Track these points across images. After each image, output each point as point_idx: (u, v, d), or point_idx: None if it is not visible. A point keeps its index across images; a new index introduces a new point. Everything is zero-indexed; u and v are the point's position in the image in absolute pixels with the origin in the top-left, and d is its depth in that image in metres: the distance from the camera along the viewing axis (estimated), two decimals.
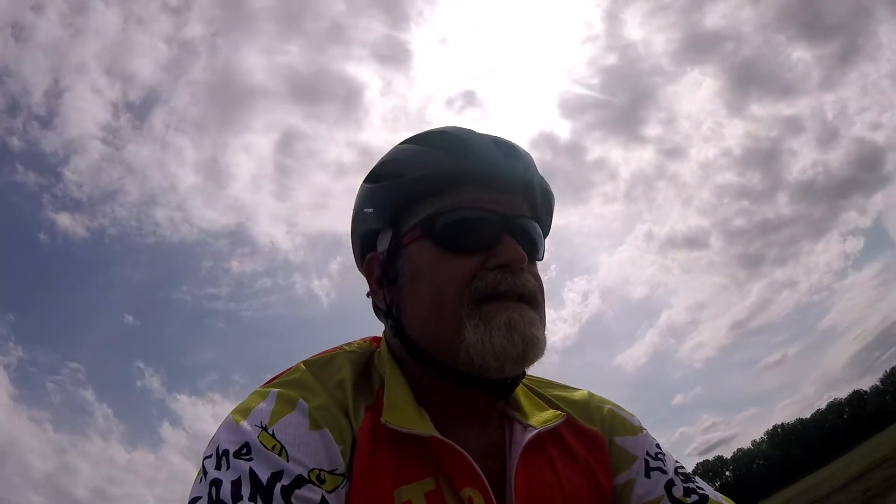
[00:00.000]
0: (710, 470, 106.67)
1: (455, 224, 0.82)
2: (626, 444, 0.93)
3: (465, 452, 0.75)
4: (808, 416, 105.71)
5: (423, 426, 0.77)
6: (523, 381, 0.93)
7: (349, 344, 0.90)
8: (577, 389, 1.02)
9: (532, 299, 0.82)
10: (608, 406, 0.99)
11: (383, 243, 0.88)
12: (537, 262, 0.89)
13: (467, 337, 0.77)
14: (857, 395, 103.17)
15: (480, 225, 0.82)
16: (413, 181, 0.84)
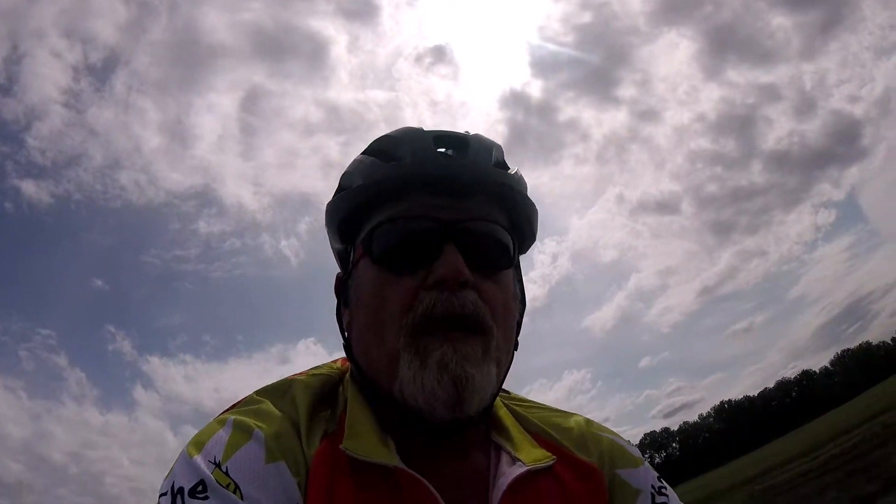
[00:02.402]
0: (656, 441, 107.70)
1: (389, 238, 0.76)
2: (628, 478, 0.86)
3: (430, 486, 0.69)
4: (771, 385, 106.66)
5: (385, 455, 0.71)
6: (509, 404, 0.89)
7: (318, 367, 0.86)
8: (572, 415, 0.93)
9: (474, 323, 0.73)
10: (606, 435, 0.90)
11: (347, 261, 0.84)
12: (504, 274, 0.80)
13: (401, 373, 0.72)
14: (806, 375, 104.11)
15: (417, 237, 0.75)
16: (354, 193, 0.79)
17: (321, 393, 0.80)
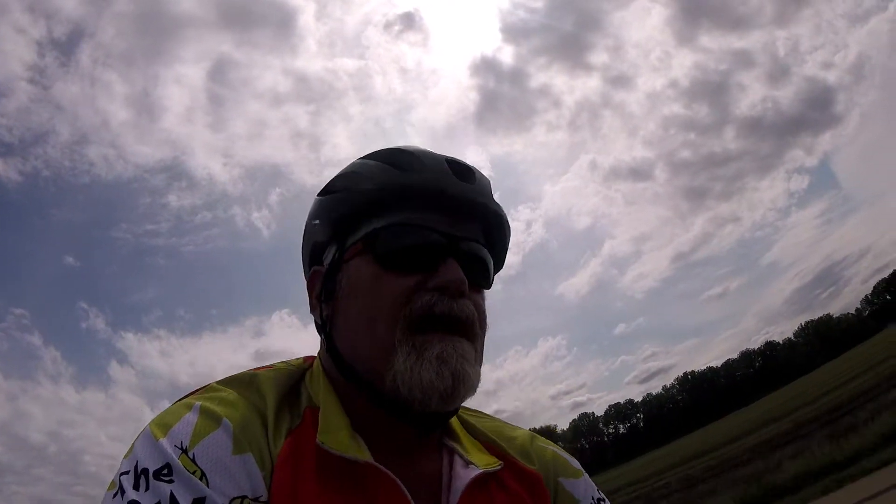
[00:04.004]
0: (621, 412, 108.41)
1: (397, 241, 0.79)
2: (570, 487, 0.90)
3: (400, 484, 0.71)
4: (743, 350, 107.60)
5: (359, 451, 0.73)
6: (459, 413, 0.93)
7: (278, 363, 0.86)
8: (519, 428, 0.98)
9: (469, 329, 0.78)
10: (550, 448, 0.95)
11: (328, 257, 0.86)
12: (484, 293, 0.86)
13: (396, 365, 0.74)
14: (770, 346, 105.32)
15: (424, 244, 0.79)
16: (360, 194, 0.82)
17: (287, 387, 0.81)
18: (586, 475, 0.94)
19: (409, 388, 0.73)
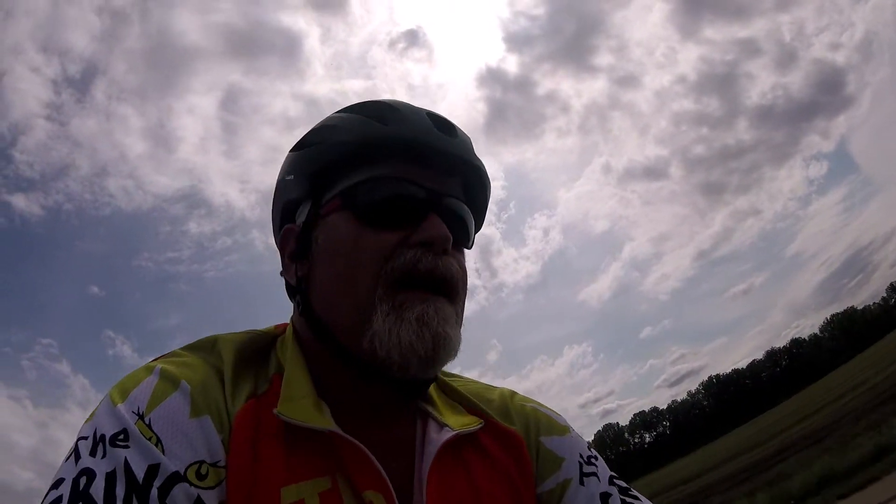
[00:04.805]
0: (646, 420, 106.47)
1: (378, 196, 0.76)
2: (552, 445, 0.85)
3: (367, 451, 0.69)
4: (775, 346, 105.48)
5: (320, 420, 0.70)
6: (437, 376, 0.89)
7: (250, 330, 0.83)
8: (497, 388, 0.94)
9: (452, 289, 0.76)
10: (531, 405, 0.91)
11: (302, 215, 0.81)
12: (465, 252, 0.83)
13: (375, 324, 0.71)
14: (795, 343, 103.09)
15: (406, 199, 0.76)
16: (336, 147, 0.79)
17: (250, 349, 0.78)
18: (574, 433, 0.89)
19: (387, 350, 0.70)
